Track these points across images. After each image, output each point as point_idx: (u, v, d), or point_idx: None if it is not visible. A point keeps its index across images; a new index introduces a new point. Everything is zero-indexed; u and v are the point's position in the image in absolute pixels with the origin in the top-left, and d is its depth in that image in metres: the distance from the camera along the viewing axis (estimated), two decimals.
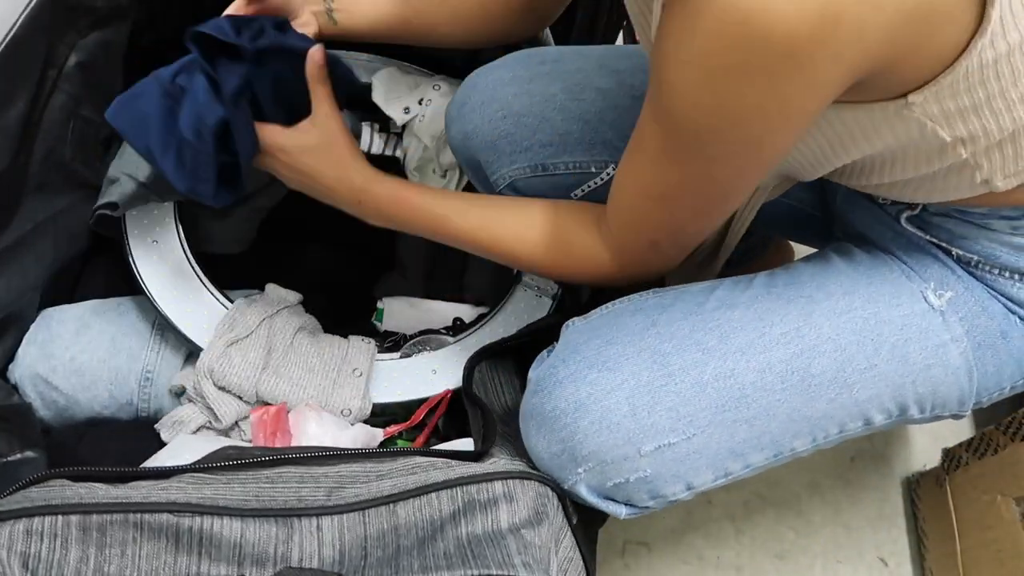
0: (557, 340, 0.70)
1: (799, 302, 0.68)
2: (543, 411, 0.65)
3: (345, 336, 0.89)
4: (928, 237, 0.68)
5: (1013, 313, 0.67)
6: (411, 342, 0.92)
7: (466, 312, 1.00)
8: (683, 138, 0.55)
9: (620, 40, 1.41)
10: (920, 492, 1.13)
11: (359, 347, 0.86)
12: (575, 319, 0.70)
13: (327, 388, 0.82)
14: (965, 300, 0.67)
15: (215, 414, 0.80)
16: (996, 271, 0.66)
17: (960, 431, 1.23)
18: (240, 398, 0.81)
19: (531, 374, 0.69)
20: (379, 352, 0.88)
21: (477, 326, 0.91)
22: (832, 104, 0.54)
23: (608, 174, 0.81)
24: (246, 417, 0.81)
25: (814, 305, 0.67)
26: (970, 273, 0.68)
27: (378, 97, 0.96)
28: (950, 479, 1.05)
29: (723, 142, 0.54)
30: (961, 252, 0.67)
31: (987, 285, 0.67)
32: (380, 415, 0.86)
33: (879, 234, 0.72)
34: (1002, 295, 0.67)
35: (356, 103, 1.01)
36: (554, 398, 0.65)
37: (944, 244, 0.68)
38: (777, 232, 1.00)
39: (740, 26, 0.45)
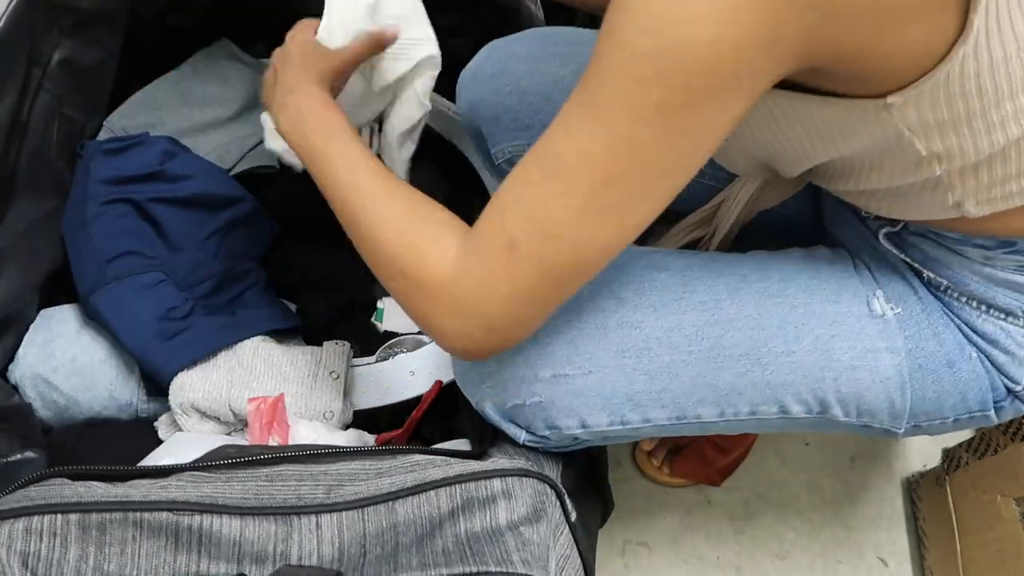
0: None
1: (731, 278, 0.68)
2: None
3: (319, 344, 0.89)
4: (903, 256, 0.68)
5: (971, 344, 0.66)
6: (386, 344, 0.92)
7: None
8: (593, 99, 0.49)
9: None
10: (920, 492, 1.13)
11: (332, 350, 0.87)
12: None
13: (304, 394, 0.82)
14: (917, 321, 0.67)
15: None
16: (964, 299, 0.66)
17: (960, 431, 1.23)
18: (218, 419, 0.81)
19: None
20: (358, 356, 0.89)
21: None
22: (815, 96, 0.54)
23: None
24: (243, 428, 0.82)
25: (745, 284, 0.68)
26: (936, 297, 0.67)
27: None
28: (950, 479, 1.05)
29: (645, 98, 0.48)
30: (932, 275, 0.67)
31: (951, 312, 0.67)
32: (363, 420, 0.86)
33: (857, 247, 0.72)
34: (965, 324, 0.67)
35: None
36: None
37: (917, 265, 0.68)
38: (769, 243, 0.99)
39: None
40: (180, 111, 1.02)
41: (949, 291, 0.67)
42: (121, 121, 1.00)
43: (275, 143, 0.79)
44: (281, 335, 0.90)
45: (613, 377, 0.65)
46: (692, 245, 0.84)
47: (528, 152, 0.53)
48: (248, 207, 0.97)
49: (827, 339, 0.66)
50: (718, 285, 0.67)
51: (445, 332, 0.57)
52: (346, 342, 0.88)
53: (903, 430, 0.69)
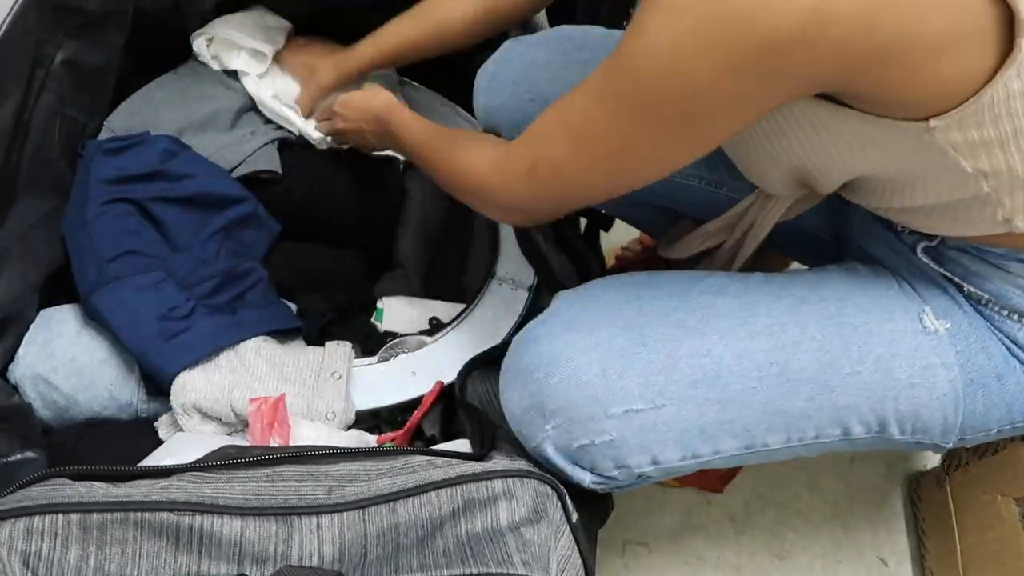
0: None
1: (788, 300, 0.67)
2: (518, 366, 0.67)
3: (321, 344, 0.89)
4: (942, 270, 0.68)
5: (1014, 357, 0.66)
6: (387, 345, 0.92)
7: (453, 311, 1.00)
8: (625, 85, 0.55)
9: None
10: (920, 492, 1.13)
11: (335, 351, 0.87)
12: (566, 290, 0.71)
13: (307, 395, 0.82)
14: (966, 335, 0.66)
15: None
16: (1005, 312, 0.66)
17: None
18: (219, 420, 0.81)
19: (515, 337, 0.70)
20: (359, 356, 0.89)
21: (453, 324, 0.91)
22: (854, 112, 0.54)
23: None
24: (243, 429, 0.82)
25: (804, 305, 0.67)
26: (978, 311, 0.67)
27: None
28: (950, 479, 1.05)
29: (663, 105, 0.54)
30: (973, 289, 0.66)
31: (993, 325, 0.67)
32: (365, 420, 0.86)
33: (893, 262, 0.71)
34: (1007, 337, 0.66)
35: None
36: (529, 353, 0.67)
37: (957, 279, 0.67)
38: (790, 255, 0.99)
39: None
40: (179, 110, 1.01)
41: (990, 304, 0.66)
42: (121, 121, 1.00)
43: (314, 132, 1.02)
44: (282, 335, 0.89)
45: (686, 409, 0.64)
46: (709, 252, 0.84)
47: (560, 100, 0.62)
48: (250, 207, 0.97)
49: (888, 358, 0.65)
50: (778, 308, 0.67)
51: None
52: (348, 343, 0.88)
53: (951, 444, 0.69)
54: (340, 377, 0.83)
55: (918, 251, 0.68)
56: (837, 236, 0.83)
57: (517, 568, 0.55)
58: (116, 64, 0.95)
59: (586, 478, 0.67)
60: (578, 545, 0.64)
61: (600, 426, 0.64)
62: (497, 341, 0.90)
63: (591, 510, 0.77)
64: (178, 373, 0.80)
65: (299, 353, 0.85)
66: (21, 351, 0.84)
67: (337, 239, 1.07)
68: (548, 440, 0.66)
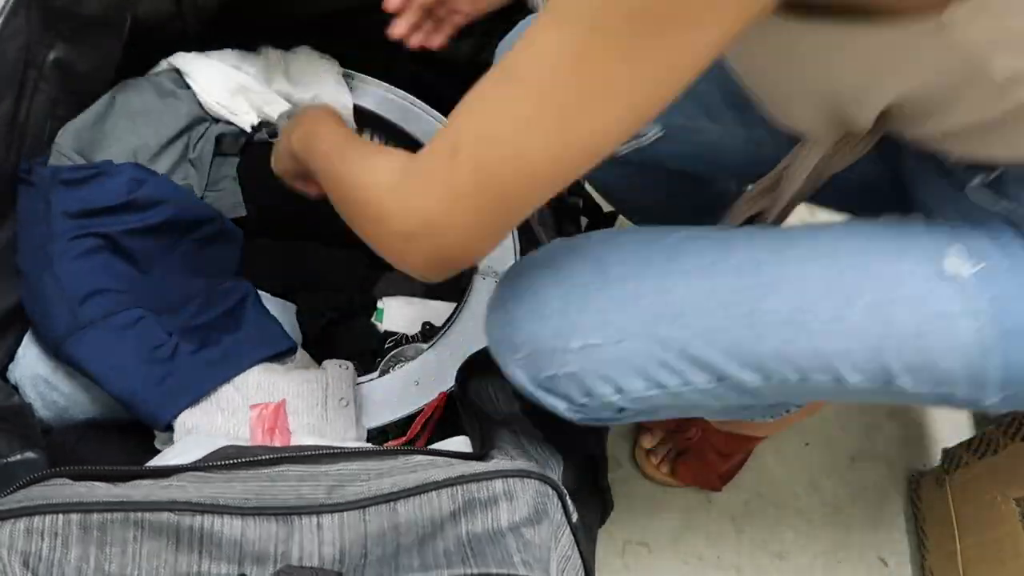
0: None
1: (776, 242, 0.63)
2: (495, 298, 0.68)
3: (319, 364, 0.88)
4: (998, 207, 0.60)
5: None
6: (387, 356, 0.91)
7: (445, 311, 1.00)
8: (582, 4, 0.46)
9: None
10: (920, 492, 1.13)
11: (338, 375, 0.84)
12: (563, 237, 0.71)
13: (318, 426, 0.80)
14: (1007, 279, 0.59)
15: None
16: None
17: (960, 431, 1.23)
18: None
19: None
20: (359, 371, 0.87)
21: (447, 326, 0.91)
22: (862, 24, 0.50)
23: (656, 134, 0.80)
24: None
25: (790, 247, 0.63)
26: None
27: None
28: (950, 479, 1.05)
29: (634, 15, 0.45)
30: None
31: None
32: (375, 438, 0.85)
33: (939, 203, 0.65)
34: None
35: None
36: (503, 287, 0.67)
37: (1013, 215, 0.60)
38: (846, 210, 0.89)
39: None
40: (129, 127, 0.96)
41: None
42: (69, 143, 0.91)
43: None
44: (279, 356, 0.87)
45: (645, 346, 0.63)
46: (755, 219, 0.78)
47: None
48: (217, 225, 0.95)
49: (885, 304, 0.59)
50: (759, 248, 0.63)
51: (394, 248, 0.56)
52: (348, 362, 0.86)
53: (994, 401, 0.62)
54: (347, 404, 0.82)
55: (972, 183, 0.61)
56: (894, 187, 0.76)
57: (518, 568, 0.55)
58: (111, 68, 0.95)
59: (560, 406, 0.67)
60: (578, 545, 0.64)
61: (562, 359, 0.64)
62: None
63: (591, 510, 0.77)
64: (174, 419, 0.77)
65: (301, 381, 0.83)
66: (21, 351, 0.84)
67: (336, 239, 1.07)
68: (519, 369, 0.66)
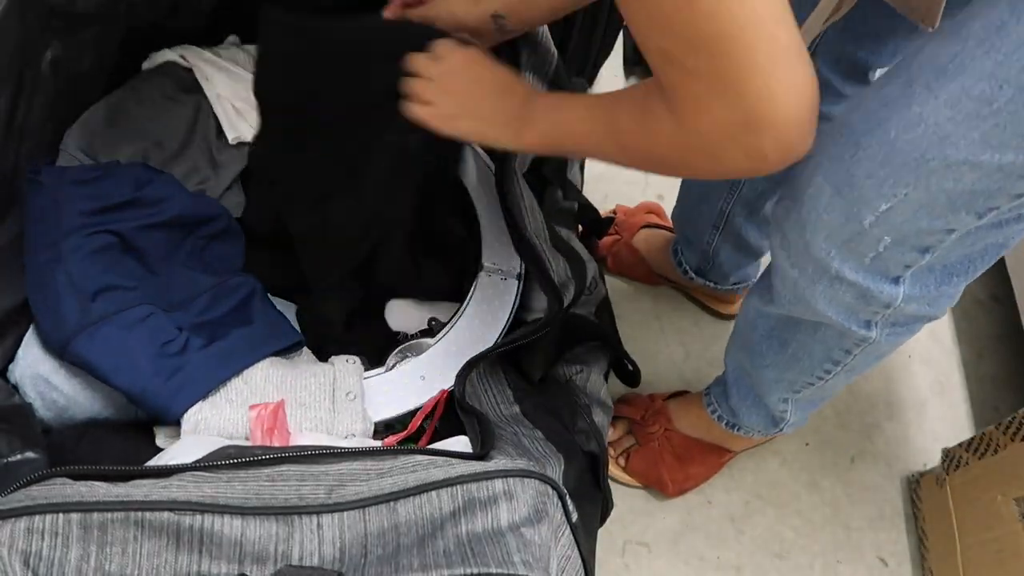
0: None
1: (972, 24, 0.56)
2: (776, 219, 0.70)
3: (326, 359, 0.88)
4: None
5: None
6: (394, 352, 0.91)
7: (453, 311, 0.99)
8: None
9: (620, 40, 1.42)
10: (920, 492, 1.13)
11: (345, 369, 0.85)
12: None
13: (325, 419, 0.80)
14: None
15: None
16: None
17: (960, 431, 1.23)
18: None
19: None
20: (365, 366, 0.87)
21: (452, 321, 0.91)
22: None
23: None
24: None
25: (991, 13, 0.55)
26: None
27: None
28: (950, 479, 1.05)
29: None
30: None
31: None
32: (380, 432, 0.85)
33: None
34: None
35: None
36: (777, 205, 0.70)
37: None
38: None
39: None
40: (137, 129, 0.96)
41: None
42: (77, 142, 0.92)
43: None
44: (286, 350, 0.87)
45: (931, 185, 0.59)
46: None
47: None
48: (224, 222, 0.95)
49: None
50: (965, 36, 0.56)
51: (734, 158, 0.54)
52: (355, 356, 0.87)
53: None
54: (355, 397, 0.82)
55: None
56: None
57: (517, 568, 0.55)
58: (109, 68, 0.95)
59: (898, 293, 0.68)
60: (578, 545, 0.64)
61: (871, 237, 0.64)
62: (496, 332, 0.90)
63: (591, 510, 0.77)
64: (184, 412, 0.77)
65: (308, 375, 0.83)
66: (21, 351, 0.84)
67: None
68: (844, 265, 0.66)
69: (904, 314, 0.73)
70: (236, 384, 0.80)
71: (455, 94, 0.72)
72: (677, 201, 1.16)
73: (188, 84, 1.01)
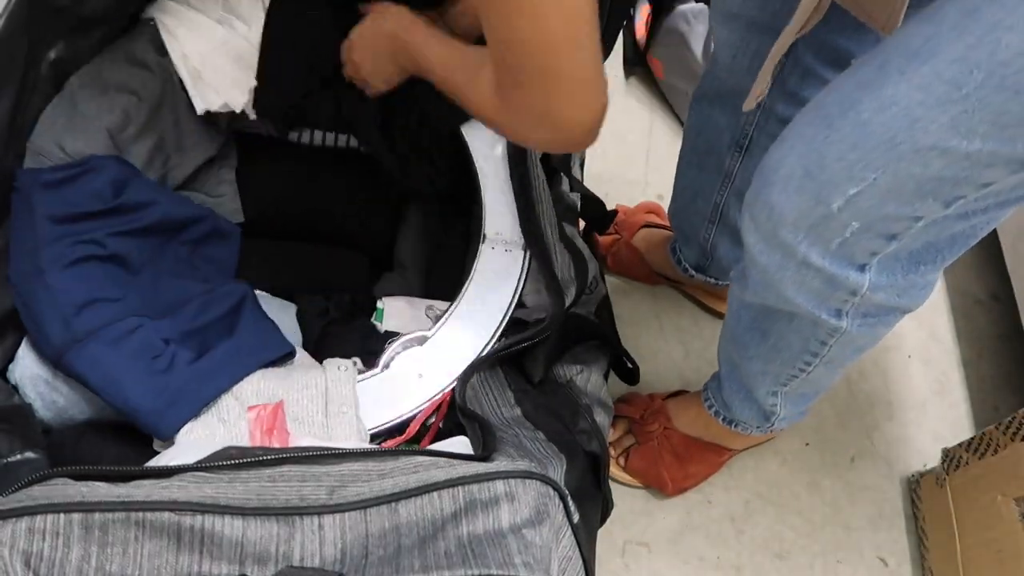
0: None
1: (947, 9, 0.56)
2: (747, 202, 0.70)
3: (322, 345, 0.86)
4: None
5: None
6: (388, 350, 0.87)
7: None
8: None
9: (620, 40, 1.42)
10: (920, 492, 1.14)
11: (337, 378, 0.82)
12: None
13: (319, 434, 0.78)
14: None
15: None
16: None
17: (960, 431, 1.23)
18: None
19: None
20: (360, 368, 0.84)
21: (455, 304, 0.87)
22: None
23: None
24: None
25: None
26: None
27: None
28: (950, 479, 1.05)
29: None
30: None
31: None
32: (380, 436, 0.84)
33: None
34: None
35: None
36: (749, 189, 0.70)
37: None
38: None
39: None
40: (102, 106, 0.89)
41: None
42: (44, 139, 0.86)
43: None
44: (279, 359, 0.85)
45: (900, 170, 0.59)
46: None
47: None
48: (210, 224, 0.93)
49: None
50: (939, 22, 0.57)
51: (557, 120, 0.63)
52: (349, 362, 0.84)
53: None
54: (348, 410, 0.80)
55: None
56: None
57: (519, 570, 0.55)
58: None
59: (863, 281, 0.67)
60: (579, 546, 0.64)
61: (839, 222, 0.63)
62: (499, 317, 0.85)
63: (591, 510, 0.77)
64: (176, 430, 0.76)
65: (300, 387, 0.81)
66: (21, 351, 0.84)
67: (336, 239, 1.07)
68: (810, 249, 0.66)
69: (873, 303, 0.72)
70: (227, 401, 0.77)
71: (360, 54, 0.89)
72: (672, 198, 1.16)
73: (159, 46, 0.92)
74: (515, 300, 0.86)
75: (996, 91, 0.53)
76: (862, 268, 0.68)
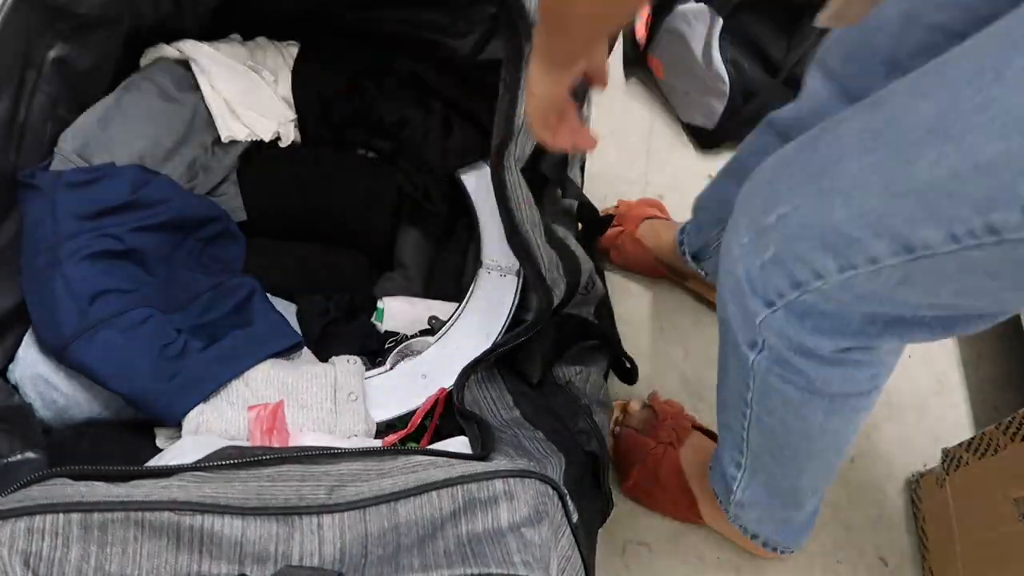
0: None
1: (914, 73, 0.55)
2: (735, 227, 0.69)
3: (327, 359, 0.88)
4: None
5: None
6: (395, 351, 0.91)
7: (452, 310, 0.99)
8: None
9: (620, 41, 1.42)
10: (920, 492, 1.13)
11: (346, 369, 0.85)
12: None
13: (328, 420, 0.80)
14: None
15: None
16: None
17: (960, 431, 1.23)
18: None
19: None
20: (368, 368, 0.88)
21: (452, 319, 0.91)
22: None
23: None
24: None
25: (925, 68, 0.54)
26: None
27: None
28: (950, 479, 1.05)
29: None
30: None
31: None
32: (382, 432, 0.85)
33: None
34: None
35: None
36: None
37: None
38: None
39: None
40: (134, 131, 0.95)
41: None
42: (72, 146, 0.90)
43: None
44: (286, 351, 0.87)
45: (813, 206, 0.59)
46: None
47: None
48: (223, 224, 0.95)
49: None
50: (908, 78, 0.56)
51: None
52: (356, 357, 0.87)
53: None
54: (356, 398, 0.82)
55: None
56: None
57: (518, 569, 0.55)
58: (111, 67, 0.95)
59: (761, 311, 0.66)
60: (578, 545, 0.64)
61: (767, 238, 0.63)
62: (497, 329, 0.90)
63: (591, 510, 0.77)
64: (185, 415, 0.77)
65: (310, 376, 0.83)
66: (21, 351, 0.84)
67: (336, 239, 1.07)
68: (747, 258, 0.66)
69: (779, 351, 0.69)
70: (237, 386, 0.80)
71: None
72: (704, 190, 1.12)
73: (187, 83, 1.01)
74: (510, 316, 0.93)
75: (894, 155, 0.54)
76: (770, 304, 0.66)
